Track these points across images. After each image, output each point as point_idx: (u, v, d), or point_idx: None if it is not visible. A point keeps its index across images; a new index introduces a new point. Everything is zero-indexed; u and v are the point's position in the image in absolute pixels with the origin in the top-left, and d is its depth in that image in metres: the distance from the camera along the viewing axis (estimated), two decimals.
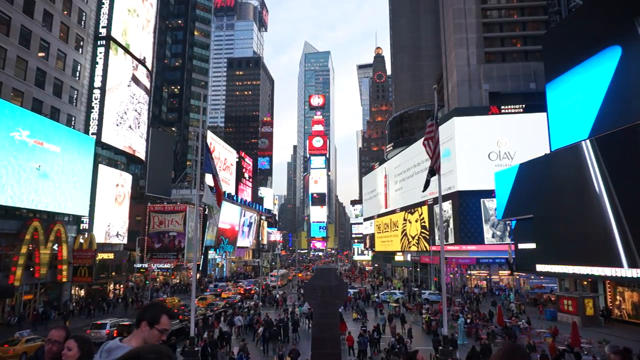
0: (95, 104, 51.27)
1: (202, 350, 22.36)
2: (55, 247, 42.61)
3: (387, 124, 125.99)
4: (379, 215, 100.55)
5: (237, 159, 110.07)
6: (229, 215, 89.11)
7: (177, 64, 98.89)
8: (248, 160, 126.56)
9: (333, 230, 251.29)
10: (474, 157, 60.21)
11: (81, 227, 49.32)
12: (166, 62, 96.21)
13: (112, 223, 54.47)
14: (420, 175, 71.31)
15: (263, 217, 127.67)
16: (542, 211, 39.82)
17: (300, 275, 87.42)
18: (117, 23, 54.42)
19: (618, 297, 35.96)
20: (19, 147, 37.65)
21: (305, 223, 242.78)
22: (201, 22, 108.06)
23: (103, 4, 52.99)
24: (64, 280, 43.92)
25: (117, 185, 55.71)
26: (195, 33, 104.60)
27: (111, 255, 52.51)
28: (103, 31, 52.63)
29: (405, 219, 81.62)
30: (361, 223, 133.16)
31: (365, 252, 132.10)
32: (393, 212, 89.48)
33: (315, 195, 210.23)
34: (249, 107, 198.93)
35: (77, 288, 48.03)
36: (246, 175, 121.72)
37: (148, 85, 65.50)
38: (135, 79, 59.78)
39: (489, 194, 55.22)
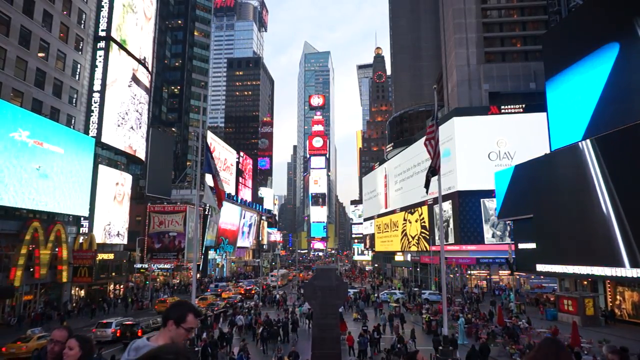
0: (95, 104, 51.29)
1: (202, 350, 22.37)
2: (55, 247, 42.60)
3: (387, 124, 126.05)
4: (379, 216, 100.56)
5: (237, 159, 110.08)
6: (229, 216, 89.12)
7: (177, 64, 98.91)
8: (248, 161, 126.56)
9: (333, 230, 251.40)
10: (474, 157, 60.22)
11: (81, 228, 49.32)
12: (166, 63, 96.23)
13: (112, 223, 54.46)
14: (420, 175, 71.29)
15: (263, 218, 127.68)
16: (542, 211, 39.82)
17: (300, 275, 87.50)
18: (117, 22, 54.42)
19: (618, 297, 35.97)
20: (19, 148, 37.66)
21: (305, 223, 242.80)
22: (201, 23, 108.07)
23: (103, 6, 52.96)
24: (64, 280, 43.92)
25: (117, 183, 55.70)
26: (195, 33, 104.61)
27: (111, 256, 52.51)
28: (103, 31, 52.66)
29: (405, 219, 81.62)
30: (361, 223, 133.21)
31: (365, 252, 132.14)
32: (393, 212, 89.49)
33: (315, 195, 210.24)
34: (249, 107, 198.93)
35: (77, 288, 48.03)
36: (246, 175, 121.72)
37: (148, 85, 65.54)
38: (135, 79, 59.80)
39: (489, 194, 55.21)
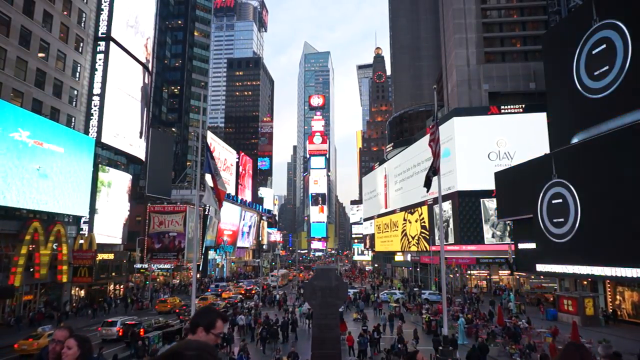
0: (95, 104, 51.30)
1: None
2: (55, 247, 42.60)
3: (387, 124, 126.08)
4: (379, 216, 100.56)
5: (237, 159, 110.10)
6: (230, 216, 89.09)
7: (177, 64, 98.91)
8: (248, 161, 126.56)
9: (333, 230, 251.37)
10: (474, 157, 60.23)
11: (81, 228, 49.33)
12: (166, 63, 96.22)
13: (112, 223, 54.47)
14: (421, 175, 71.29)
15: (263, 218, 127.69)
16: (542, 211, 39.84)
17: (300, 275, 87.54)
18: (117, 22, 54.45)
19: (618, 297, 35.99)
20: (19, 148, 37.68)
21: (305, 223, 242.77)
22: (201, 23, 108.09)
23: (103, 9, 52.94)
24: (64, 280, 43.90)
25: (117, 184, 55.71)
26: (195, 33, 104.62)
27: (111, 256, 52.51)
28: (103, 26, 52.68)
29: (405, 219, 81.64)
30: (361, 223, 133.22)
31: (365, 252, 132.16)
32: (393, 212, 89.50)
33: (315, 195, 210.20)
34: (248, 107, 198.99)
35: (77, 288, 48.03)
36: (246, 175, 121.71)
37: (148, 85, 65.56)
38: (135, 79, 59.82)
39: (489, 194, 55.23)
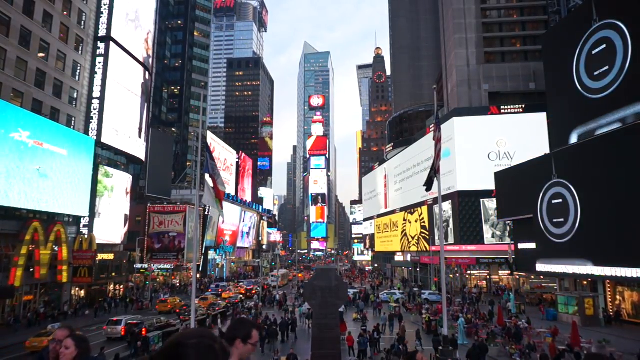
0: (95, 105, 51.31)
1: None
2: (55, 247, 42.60)
3: (386, 124, 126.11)
4: (379, 216, 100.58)
5: (237, 160, 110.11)
6: (230, 216, 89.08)
7: (177, 64, 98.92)
8: (248, 161, 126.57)
9: (333, 230, 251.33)
10: (474, 157, 60.24)
11: (81, 228, 49.33)
12: (166, 63, 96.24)
13: (112, 223, 54.47)
14: (420, 175, 71.32)
15: (264, 218, 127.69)
16: (542, 211, 39.85)
17: (300, 275, 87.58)
18: (117, 16, 54.43)
19: (618, 297, 35.99)
20: (20, 149, 37.70)
21: (305, 223, 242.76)
22: (201, 23, 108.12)
23: (102, 12, 52.93)
24: (64, 280, 43.90)
25: (117, 185, 55.72)
26: (195, 34, 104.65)
27: (111, 256, 52.51)
28: (103, 29, 52.68)
29: (405, 219, 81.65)
30: (361, 223, 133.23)
31: (365, 252, 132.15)
32: (393, 212, 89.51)
33: (315, 195, 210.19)
34: (248, 107, 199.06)
35: (77, 289, 48.03)
36: (246, 175, 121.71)
37: (149, 81, 65.59)
38: (135, 80, 59.82)
39: (489, 194, 55.23)
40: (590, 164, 34.10)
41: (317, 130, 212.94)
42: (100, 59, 52.21)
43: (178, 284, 69.01)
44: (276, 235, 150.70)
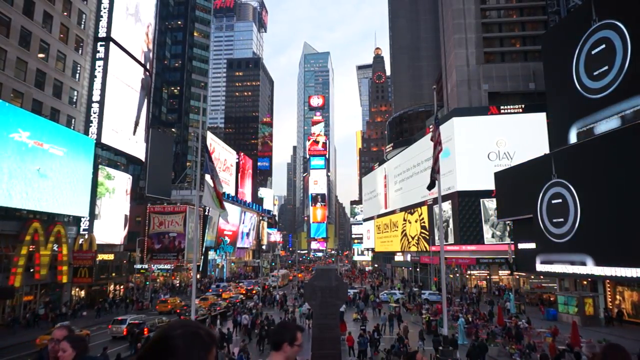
0: (95, 105, 51.32)
1: None
2: (55, 248, 42.59)
3: (386, 124, 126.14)
4: (379, 216, 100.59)
5: (237, 160, 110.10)
6: (230, 217, 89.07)
7: (176, 65, 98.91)
8: (248, 161, 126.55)
9: (333, 230, 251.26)
10: (474, 157, 60.25)
11: (81, 228, 49.32)
12: (166, 63, 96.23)
13: (112, 223, 54.48)
14: (420, 175, 71.36)
15: (264, 218, 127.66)
16: (542, 211, 39.87)
17: (300, 275, 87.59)
18: (117, 11, 54.41)
19: (618, 297, 36.00)
20: (20, 149, 37.71)
21: (305, 223, 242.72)
22: (201, 23, 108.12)
23: (102, 15, 52.92)
24: (64, 281, 43.88)
25: (117, 185, 55.73)
26: (195, 34, 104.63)
27: (111, 256, 52.51)
28: (103, 32, 52.70)
29: (405, 219, 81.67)
30: (361, 223, 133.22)
31: (365, 252, 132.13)
32: (393, 212, 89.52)
33: (315, 195, 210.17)
34: (248, 107, 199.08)
35: (77, 289, 48.03)
36: (246, 176, 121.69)
37: (148, 86, 65.57)
38: (134, 80, 59.82)
39: (489, 194, 55.26)
40: (590, 163, 34.12)
41: (317, 130, 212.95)
42: (99, 65, 52.19)
43: (178, 284, 69.01)
44: (276, 236, 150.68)
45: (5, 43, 38.09)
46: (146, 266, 64.81)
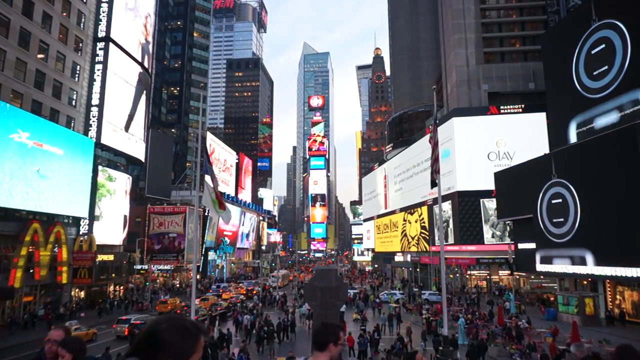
0: (95, 105, 51.29)
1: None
2: (55, 248, 42.55)
3: (386, 124, 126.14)
4: (379, 216, 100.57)
5: (237, 160, 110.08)
6: (230, 216, 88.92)
7: (176, 65, 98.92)
8: (248, 162, 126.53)
9: (333, 231, 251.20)
10: (474, 158, 60.24)
11: (81, 229, 49.30)
12: (165, 64, 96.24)
13: (112, 224, 54.45)
14: (420, 175, 71.36)
15: (265, 219, 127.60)
16: (542, 211, 39.85)
17: (300, 276, 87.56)
18: (116, 19, 54.37)
19: (618, 297, 35.97)
20: (20, 150, 37.69)
21: (305, 224, 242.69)
22: (200, 24, 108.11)
23: (101, 19, 52.89)
24: (64, 281, 43.85)
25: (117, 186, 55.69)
26: (195, 34, 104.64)
27: (111, 257, 52.46)
28: (102, 33, 52.68)
29: (405, 220, 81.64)
30: (361, 224, 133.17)
31: (365, 252, 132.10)
32: (393, 212, 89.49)
33: (314, 196, 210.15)
34: (248, 108, 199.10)
35: (77, 290, 47.99)
36: (246, 176, 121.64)
37: (148, 86, 65.54)
38: (134, 81, 59.78)
39: (489, 194, 55.25)
40: (590, 163, 34.11)
41: (317, 130, 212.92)
42: (99, 59, 52.13)
43: (178, 285, 68.97)
44: (276, 236, 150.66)
45: (4, 43, 38.07)
46: (146, 267, 64.79)
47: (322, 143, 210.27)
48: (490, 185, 51.38)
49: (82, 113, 50.10)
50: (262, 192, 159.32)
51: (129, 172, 60.97)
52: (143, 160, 64.52)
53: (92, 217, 50.03)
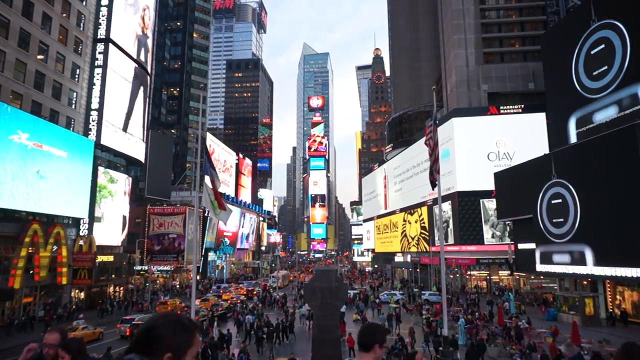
0: (94, 106, 51.26)
1: (202, 351, 22.33)
2: (54, 249, 42.54)
3: (386, 125, 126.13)
4: (379, 216, 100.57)
5: (237, 161, 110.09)
6: (229, 218, 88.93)
7: (176, 66, 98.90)
8: (248, 162, 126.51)
9: (333, 231, 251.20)
10: (473, 158, 60.27)
11: (81, 230, 49.28)
12: (165, 64, 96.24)
13: (112, 224, 54.44)
14: (420, 175, 71.36)
15: (265, 220, 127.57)
16: (541, 211, 39.85)
17: (300, 276, 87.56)
18: (115, 16, 54.32)
19: (618, 297, 35.97)
20: (19, 150, 37.69)
21: (305, 224, 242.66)
22: (200, 24, 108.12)
23: (101, 23, 52.88)
24: (64, 282, 43.82)
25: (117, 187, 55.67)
26: (194, 35, 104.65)
27: (111, 258, 52.45)
28: (102, 35, 52.65)
29: (404, 220, 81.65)
30: (361, 224, 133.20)
31: (365, 253, 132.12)
32: (393, 213, 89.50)
33: (314, 196, 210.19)
34: (248, 108, 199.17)
35: (76, 290, 47.98)
36: (246, 177, 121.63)
37: (147, 87, 65.51)
38: (130, 77, 59.67)
39: (489, 194, 55.27)
40: (590, 163, 34.12)
41: (317, 131, 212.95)
42: (99, 63, 52.09)
43: (178, 286, 68.96)
44: (276, 237, 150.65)
45: (4, 44, 38.07)
46: (146, 267, 64.76)
47: (321, 143, 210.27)
48: (490, 186, 51.40)
49: (82, 114, 50.08)
50: (262, 193, 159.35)
51: (128, 172, 60.94)
52: (143, 161, 64.49)
53: (92, 218, 50.00)
